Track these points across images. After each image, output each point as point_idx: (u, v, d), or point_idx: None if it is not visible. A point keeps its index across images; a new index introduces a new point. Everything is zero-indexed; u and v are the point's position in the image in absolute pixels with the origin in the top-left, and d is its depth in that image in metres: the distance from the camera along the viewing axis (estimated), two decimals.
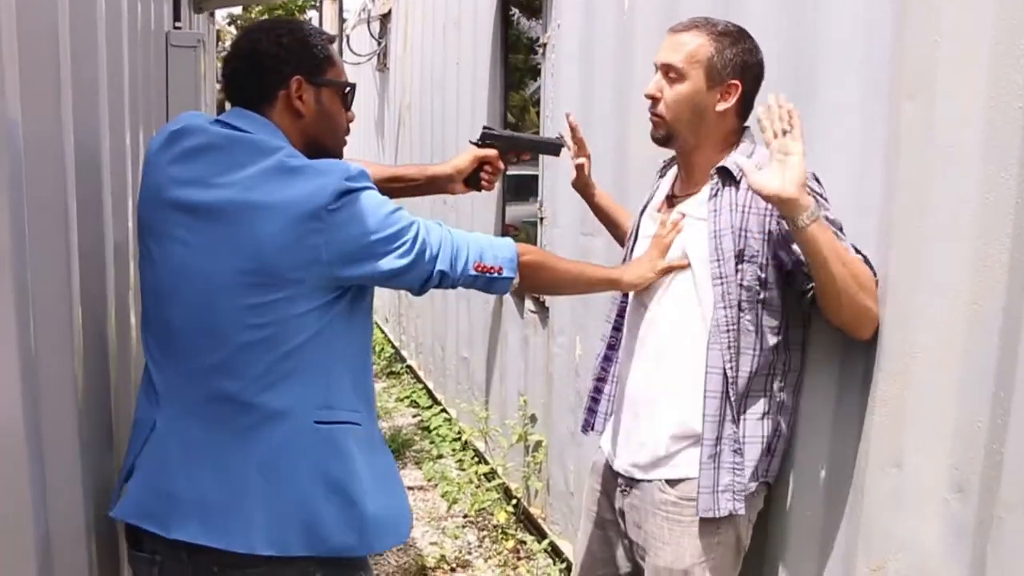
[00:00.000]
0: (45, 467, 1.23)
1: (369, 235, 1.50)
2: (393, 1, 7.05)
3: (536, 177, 3.75)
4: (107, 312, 1.75)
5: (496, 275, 1.68)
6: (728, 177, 1.78)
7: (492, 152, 2.09)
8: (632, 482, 1.92)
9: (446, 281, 1.62)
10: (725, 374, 1.74)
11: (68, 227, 1.38)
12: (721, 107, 1.78)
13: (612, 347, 2.08)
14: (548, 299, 3.53)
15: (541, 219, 3.62)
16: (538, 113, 4.40)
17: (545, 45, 3.54)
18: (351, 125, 1.72)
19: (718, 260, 1.75)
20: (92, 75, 1.64)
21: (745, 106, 1.81)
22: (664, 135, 1.84)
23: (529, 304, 3.80)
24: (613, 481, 1.99)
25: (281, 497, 1.49)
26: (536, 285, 1.86)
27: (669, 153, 2.01)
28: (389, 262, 1.52)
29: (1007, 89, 1.40)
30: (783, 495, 1.93)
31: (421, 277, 1.58)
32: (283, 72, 1.58)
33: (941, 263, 1.53)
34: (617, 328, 2.07)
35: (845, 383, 1.78)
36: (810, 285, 1.70)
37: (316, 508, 1.50)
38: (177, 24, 3.46)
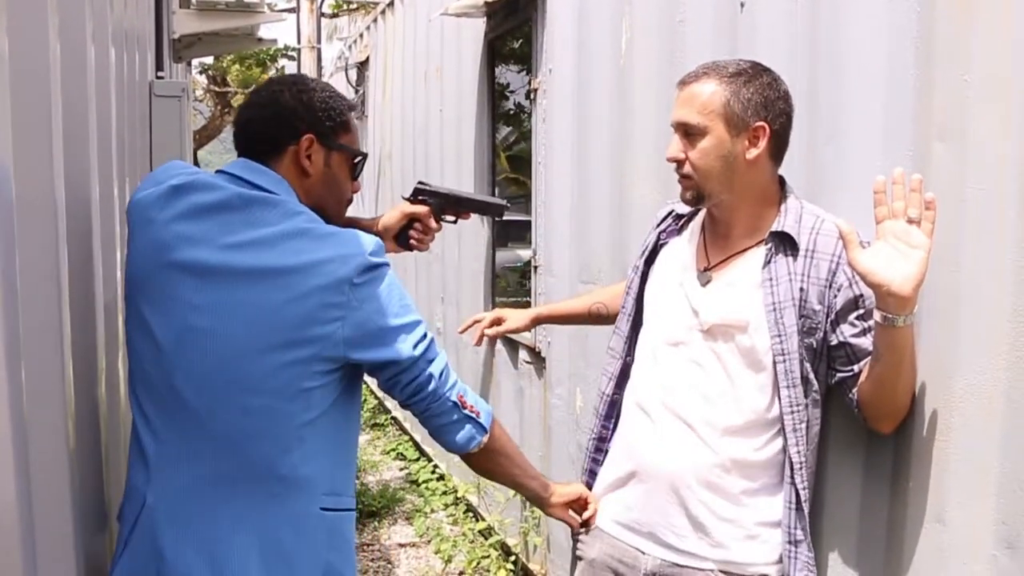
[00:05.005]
0: (36, 543, 1.11)
1: (388, 318, 1.46)
2: (371, 49, 7.05)
3: (528, 223, 3.67)
4: (97, 372, 1.64)
5: (473, 417, 1.58)
6: (784, 242, 1.64)
7: (422, 209, 1.94)
8: (667, 566, 1.71)
9: (428, 393, 1.54)
10: (796, 455, 1.62)
11: (59, 281, 1.28)
12: (751, 154, 1.61)
13: (613, 404, 1.91)
14: (544, 349, 3.44)
15: (535, 267, 3.54)
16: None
17: (536, 90, 3.50)
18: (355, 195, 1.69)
19: (780, 336, 1.61)
20: (82, 123, 1.56)
21: (777, 148, 1.66)
22: (695, 195, 1.68)
23: (524, 355, 3.71)
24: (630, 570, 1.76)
25: None
26: (485, 467, 1.72)
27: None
28: (397, 350, 1.48)
29: None
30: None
31: (413, 376, 1.52)
32: (297, 127, 1.54)
33: (978, 313, 1.47)
34: (619, 385, 1.89)
35: (873, 438, 1.69)
36: (849, 369, 1.62)
37: None
38: (160, 74, 3.41)
